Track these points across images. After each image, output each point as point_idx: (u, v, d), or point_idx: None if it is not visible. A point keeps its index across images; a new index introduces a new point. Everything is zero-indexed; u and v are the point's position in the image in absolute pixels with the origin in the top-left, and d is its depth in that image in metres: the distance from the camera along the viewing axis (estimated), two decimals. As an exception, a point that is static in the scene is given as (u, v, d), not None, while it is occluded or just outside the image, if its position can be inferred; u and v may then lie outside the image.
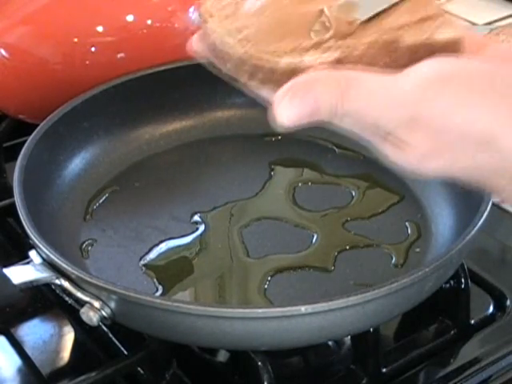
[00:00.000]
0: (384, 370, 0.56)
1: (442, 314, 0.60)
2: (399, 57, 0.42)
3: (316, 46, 0.43)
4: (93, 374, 0.55)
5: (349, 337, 0.57)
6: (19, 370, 0.58)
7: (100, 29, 0.73)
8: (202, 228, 0.64)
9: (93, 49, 0.72)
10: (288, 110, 0.41)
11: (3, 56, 0.73)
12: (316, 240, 0.62)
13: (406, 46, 0.42)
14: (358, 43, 0.42)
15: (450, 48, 0.42)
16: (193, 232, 0.63)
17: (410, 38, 0.42)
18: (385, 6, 0.45)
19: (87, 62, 0.72)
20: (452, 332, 0.59)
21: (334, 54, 0.42)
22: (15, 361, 0.59)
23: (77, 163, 0.68)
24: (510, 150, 0.39)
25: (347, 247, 0.61)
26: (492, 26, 1.00)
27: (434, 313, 0.60)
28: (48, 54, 0.73)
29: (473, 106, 0.39)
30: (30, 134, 0.64)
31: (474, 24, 1.07)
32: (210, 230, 0.64)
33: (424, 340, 0.59)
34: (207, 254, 0.61)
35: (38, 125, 0.65)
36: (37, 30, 0.74)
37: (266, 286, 0.58)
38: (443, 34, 0.42)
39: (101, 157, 0.70)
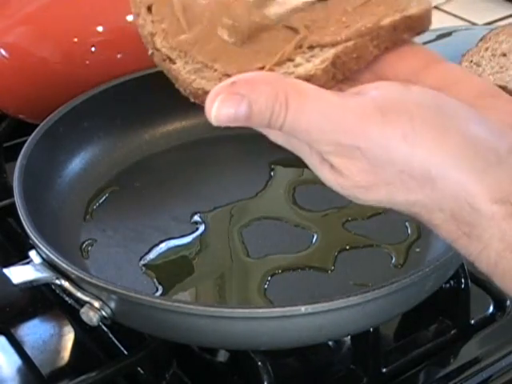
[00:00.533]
0: (384, 370, 0.56)
1: (442, 314, 0.60)
2: (381, 40, 0.42)
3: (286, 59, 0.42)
4: (93, 373, 0.55)
5: (349, 337, 0.57)
6: (19, 370, 0.58)
7: (100, 29, 0.73)
8: (201, 228, 0.64)
9: (93, 49, 0.72)
10: (218, 109, 0.38)
11: (3, 56, 0.73)
12: (316, 240, 0.62)
13: (386, 27, 0.42)
14: (343, 36, 0.42)
15: (424, 19, 0.43)
16: (193, 232, 0.63)
17: (386, 17, 0.42)
18: None
19: (87, 62, 0.73)
20: (452, 332, 0.59)
21: (325, 56, 0.42)
22: (15, 361, 0.59)
23: (77, 163, 0.68)
24: (448, 189, 0.38)
25: (347, 247, 0.61)
26: (492, 26, 1.00)
27: (434, 313, 0.60)
28: (48, 54, 0.73)
29: (414, 143, 0.38)
30: (29, 134, 0.64)
31: (473, 24, 1.07)
32: (209, 230, 0.64)
33: (424, 340, 0.59)
34: (207, 254, 0.61)
35: (37, 125, 0.65)
36: (37, 29, 0.73)
37: (265, 286, 0.58)
38: (413, 8, 0.43)
39: (101, 157, 0.70)
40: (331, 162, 0.39)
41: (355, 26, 0.42)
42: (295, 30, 0.43)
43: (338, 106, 0.38)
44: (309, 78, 0.40)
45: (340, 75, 0.42)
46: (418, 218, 0.40)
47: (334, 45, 0.42)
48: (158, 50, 0.44)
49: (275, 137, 0.43)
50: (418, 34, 0.44)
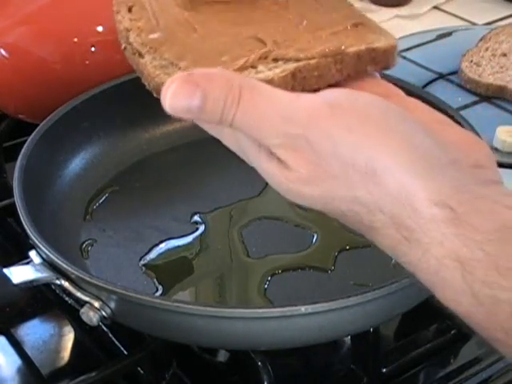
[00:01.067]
0: (384, 370, 0.56)
1: (442, 313, 0.60)
2: (345, 66, 0.44)
3: (252, 63, 0.44)
4: (93, 373, 0.55)
5: (349, 337, 0.57)
6: (19, 370, 0.58)
7: (100, 29, 0.73)
8: (201, 228, 0.64)
9: (93, 49, 0.72)
10: (173, 96, 0.39)
11: (3, 56, 0.73)
12: (316, 240, 0.62)
13: (351, 54, 0.44)
14: (308, 54, 0.44)
15: (388, 54, 0.45)
16: (193, 232, 0.63)
17: (352, 46, 0.44)
18: None
19: (87, 62, 0.73)
20: (452, 332, 0.59)
21: (287, 67, 0.43)
22: (15, 361, 0.59)
23: (77, 163, 0.68)
24: (389, 186, 0.38)
25: (347, 247, 0.61)
26: (492, 26, 1.00)
27: (434, 313, 0.60)
28: (48, 54, 0.73)
29: (359, 137, 0.38)
30: (29, 134, 0.64)
31: (473, 24, 1.07)
32: (209, 230, 0.64)
33: (424, 340, 0.59)
34: (207, 254, 0.61)
35: (37, 125, 0.65)
36: (37, 29, 0.73)
37: (265, 286, 0.58)
38: (381, 42, 0.45)
39: (101, 157, 0.70)
40: (278, 156, 0.40)
41: (321, 47, 0.44)
42: (264, 43, 0.45)
43: (288, 100, 0.39)
44: (267, 83, 0.41)
45: (299, 89, 0.43)
46: (359, 222, 0.40)
47: (297, 60, 0.43)
48: (130, 44, 0.46)
49: (227, 139, 0.43)
50: (382, 69, 0.46)
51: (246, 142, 0.42)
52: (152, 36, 0.46)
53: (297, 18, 0.47)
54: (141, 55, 0.45)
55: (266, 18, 0.47)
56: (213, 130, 0.44)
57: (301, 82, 0.43)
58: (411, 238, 0.38)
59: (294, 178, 0.40)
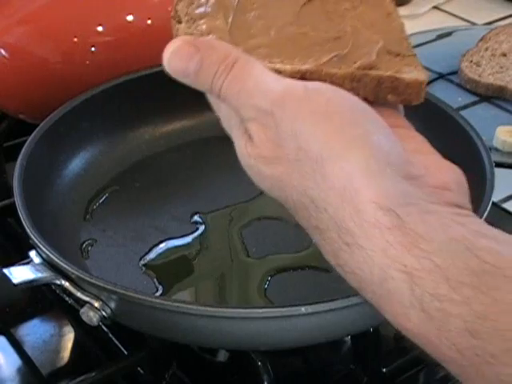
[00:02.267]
0: (384, 370, 0.56)
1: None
2: (361, 87, 0.43)
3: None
4: (93, 374, 0.55)
5: (349, 337, 0.57)
6: (19, 370, 0.58)
7: (100, 29, 0.73)
8: (202, 228, 0.64)
9: (93, 49, 0.72)
10: (172, 58, 0.41)
11: (3, 56, 0.73)
12: (316, 240, 0.62)
13: (371, 76, 0.43)
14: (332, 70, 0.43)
15: (413, 88, 0.43)
16: (193, 232, 0.63)
17: (378, 70, 0.43)
18: None
19: (87, 62, 0.72)
20: (452, 332, 0.59)
21: (301, 68, 0.43)
22: (15, 361, 0.59)
23: (77, 163, 0.68)
24: (336, 179, 0.37)
25: (347, 247, 0.61)
26: (492, 26, 1.00)
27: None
28: (48, 54, 0.73)
29: (318, 123, 0.38)
30: (29, 134, 0.64)
31: (473, 24, 1.07)
32: (210, 230, 0.64)
33: (424, 340, 0.59)
34: (207, 254, 0.61)
35: (37, 125, 0.65)
36: (37, 29, 0.73)
37: (265, 286, 0.58)
38: (408, 74, 0.43)
39: (101, 157, 0.70)
40: (249, 130, 0.40)
41: (346, 69, 0.43)
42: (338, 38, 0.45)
43: (273, 79, 0.40)
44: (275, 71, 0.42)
45: None
46: (307, 219, 0.39)
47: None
48: (176, 11, 0.49)
49: (222, 115, 0.44)
50: (406, 102, 0.44)
51: (232, 117, 0.42)
52: (197, 10, 0.48)
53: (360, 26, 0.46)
54: (180, 22, 0.47)
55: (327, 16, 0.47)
56: (215, 105, 0.45)
57: (309, 79, 0.43)
58: (353, 243, 0.37)
59: (256, 155, 0.40)
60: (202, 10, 0.48)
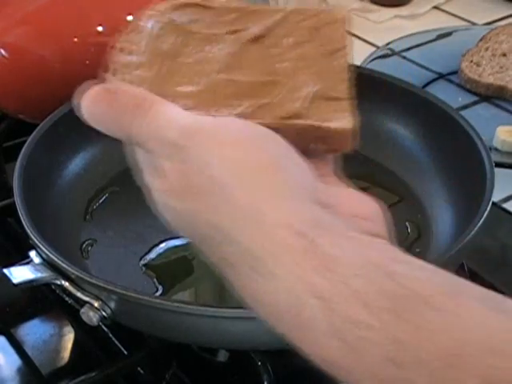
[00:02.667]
0: (384, 370, 0.56)
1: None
2: (282, 133, 0.40)
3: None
4: (93, 374, 0.55)
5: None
6: (19, 370, 0.58)
7: (100, 29, 0.73)
8: (202, 228, 0.64)
9: (93, 49, 0.72)
10: (90, 106, 0.42)
11: (3, 55, 0.73)
12: (316, 240, 0.62)
13: (290, 126, 0.41)
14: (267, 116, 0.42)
15: (339, 136, 0.42)
16: (193, 232, 0.63)
17: (303, 119, 0.41)
18: None
19: (87, 62, 0.72)
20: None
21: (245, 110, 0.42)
22: (15, 361, 0.59)
23: (77, 163, 0.68)
24: (243, 206, 0.36)
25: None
26: (492, 26, 1.00)
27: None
28: (48, 54, 0.73)
29: (228, 152, 0.37)
30: (29, 134, 0.64)
31: (474, 24, 1.07)
32: (210, 229, 0.64)
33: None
34: (207, 254, 0.61)
35: (37, 125, 0.65)
36: (36, 29, 0.73)
37: (266, 286, 0.58)
38: (335, 122, 0.41)
39: (101, 157, 0.70)
40: (160, 166, 0.39)
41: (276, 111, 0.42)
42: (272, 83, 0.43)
43: (183, 115, 0.40)
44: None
45: None
46: (214, 252, 0.38)
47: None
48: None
49: (129, 155, 0.44)
50: (334, 151, 0.43)
51: (146, 159, 0.41)
52: (127, 58, 0.47)
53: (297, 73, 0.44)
54: (107, 71, 0.46)
55: (260, 58, 0.45)
56: (131, 156, 0.44)
57: None
58: (266, 272, 0.35)
59: (167, 188, 0.39)
60: (131, 57, 0.47)
